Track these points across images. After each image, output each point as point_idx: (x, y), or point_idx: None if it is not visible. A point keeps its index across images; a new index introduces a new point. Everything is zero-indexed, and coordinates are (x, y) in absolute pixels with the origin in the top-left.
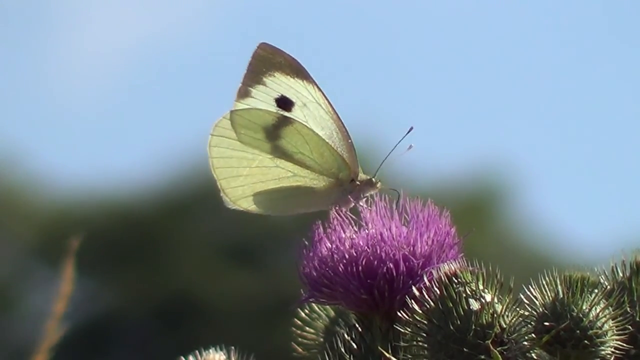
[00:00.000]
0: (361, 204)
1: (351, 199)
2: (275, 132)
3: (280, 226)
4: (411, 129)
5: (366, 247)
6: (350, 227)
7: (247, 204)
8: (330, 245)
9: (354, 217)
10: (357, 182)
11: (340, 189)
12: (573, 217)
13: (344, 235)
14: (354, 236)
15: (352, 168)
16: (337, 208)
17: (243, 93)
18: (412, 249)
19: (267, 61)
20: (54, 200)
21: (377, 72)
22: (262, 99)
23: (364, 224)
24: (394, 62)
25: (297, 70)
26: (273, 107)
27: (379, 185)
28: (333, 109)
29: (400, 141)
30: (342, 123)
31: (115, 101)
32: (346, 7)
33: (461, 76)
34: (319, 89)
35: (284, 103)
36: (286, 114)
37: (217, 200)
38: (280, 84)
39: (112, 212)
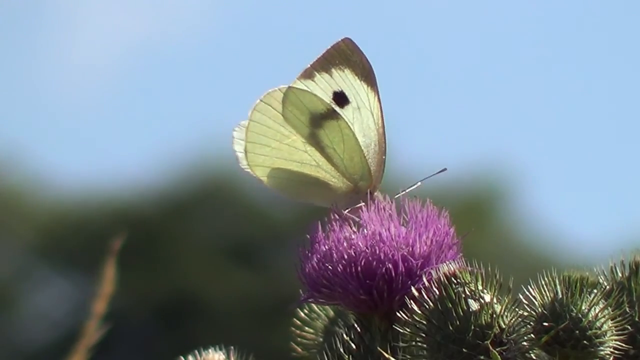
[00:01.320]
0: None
1: (360, 209)
2: (319, 121)
3: (280, 226)
4: (444, 169)
5: (365, 248)
6: (349, 227)
7: (262, 173)
8: (329, 246)
9: (353, 217)
10: (374, 195)
11: (355, 195)
12: (572, 217)
13: (342, 236)
14: (353, 236)
15: (374, 182)
16: (337, 209)
17: (307, 74)
18: (411, 249)
19: (344, 56)
20: (55, 201)
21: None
22: (322, 86)
23: (363, 224)
24: (393, 62)
25: (366, 74)
26: (328, 98)
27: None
28: (383, 122)
29: (427, 177)
30: (384, 138)
31: (116, 101)
32: (346, 7)
33: (461, 76)
34: (379, 100)
35: (340, 98)
36: (337, 109)
37: (217, 201)
38: (345, 80)
39: (113, 212)
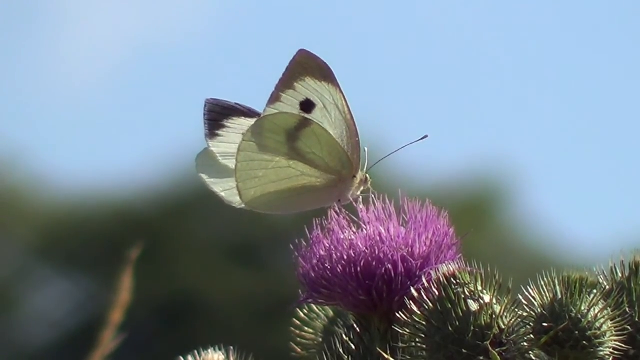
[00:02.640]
0: (359, 202)
1: (350, 196)
2: (295, 134)
3: (279, 226)
4: (425, 136)
5: (364, 248)
6: (349, 227)
7: (257, 204)
8: (328, 246)
9: (353, 217)
10: (357, 179)
11: (342, 185)
12: (572, 218)
13: (342, 236)
14: (353, 237)
15: (354, 165)
16: (336, 206)
17: (274, 98)
18: (410, 249)
19: (302, 67)
20: (55, 201)
21: (377, 72)
22: (290, 103)
23: (363, 225)
24: (393, 62)
25: (325, 74)
26: (296, 110)
27: (369, 182)
28: (348, 108)
29: (405, 146)
30: (353, 122)
31: (116, 101)
32: (345, 7)
33: (460, 76)
34: (341, 91)
35: (307, 106)
36: (307, 116)
37: (217, 201)
38: (308, 88)
39: (113, 212)
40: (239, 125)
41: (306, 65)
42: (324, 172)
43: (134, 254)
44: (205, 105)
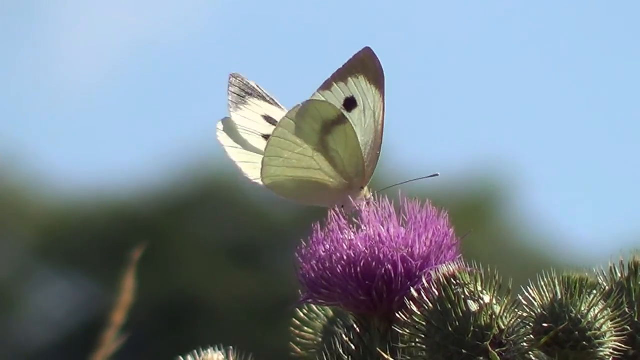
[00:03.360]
0: (361, 208)
1: (352, 206)
2: (329, 127)
3: (279, 227)
4: (436, 174)
5: (364, 249)
6: (349, 228)
7: (272, 183)
8: (328, 246)
9: (352, 218)
10: (364, 191)
11: (349, 192)
12: (571, 218)
13: (342, 237)
14: (352, 237)
15: (366, 177)
16: (337, 209)
17: (326, 86)
18: (410, 250)
19: (362, 64)
20: (55, 201)
21: None
22: (337, 95)
23: (362, 225)
24: (392, 61)
25: (377, 79)
26: (339, 105)
27: (370, 198)
28: (383, 120)
29: (415, 179)
30: (381, 135)
31: (116, 101)
32: (344, 6)
33: (458, 76)
34: (383, 101)
35: (350, 103)
36: (345, 113)
37: (217, 201)
38: (358, 86)
39: (113, 212)
40: (257, 106)
41: (365, 64)
42: (338, 174)
43: (136, 255)
44: (229, 78)
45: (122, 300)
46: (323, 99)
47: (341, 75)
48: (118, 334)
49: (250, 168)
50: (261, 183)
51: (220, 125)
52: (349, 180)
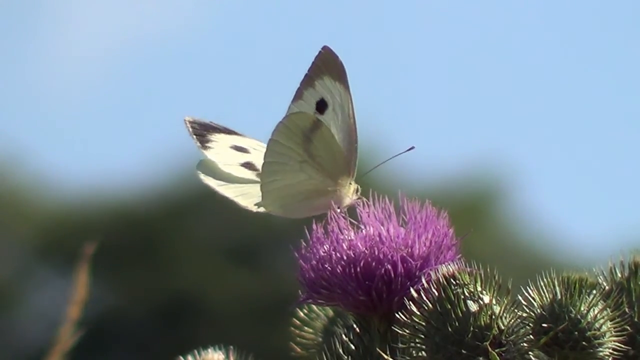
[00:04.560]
0: (357, 203)
1: (346, 202)
2: (310, 135)
3: (279, 226)
4: (412, 148)
5: (364, 249)
6: (348, 228)
7: (274, 207)
8: (328, 247)
9: (351, 220)
10: (352, 187)
11: (341, 192)
12: (571, 217)
13: (342, 237)
14: (352, 237)
15: (350, 171)
16: (334, 209)
17: (297, 96)
18: (410, 250)
19: (323, 64)
20: (55, 201)
21: (375, 72)
22: (309, 102)
23: (362, 225)
24: (391, 61)
25: (340, 74)
26: (312, 110)
27: (359, 192)
28: (353, 113)
29: (393, 157)
30: (355, 127)
31: (116, 101)
32: (343, 5)
33: (457, 75)
34: (350, 95)
35: (322, 106)
36: (319, 116)
37: (217, 201)
38: (324, 87)
39: (113, 213)
40: (222, 140)
41: (327, 63)
42: (328, 177)
43: (89, 250)
44: (186, 123)
45: (77, 295)
46: (297, 110)
47: (308, 81)
48: (75, 330)
49: (246, 198)
50: (264, 210)
51: (199, 169)
52: (338, 179)
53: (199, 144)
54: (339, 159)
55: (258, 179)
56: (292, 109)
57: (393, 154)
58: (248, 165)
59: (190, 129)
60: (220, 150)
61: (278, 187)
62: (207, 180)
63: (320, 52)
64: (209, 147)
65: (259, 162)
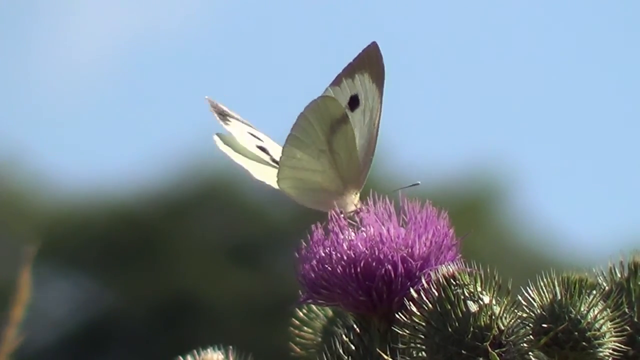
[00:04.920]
0: (358, 212)
1: (349, 208)
2: (335, 127)
3: (279, 226)
4: (417, 184)
5: (364, 249)
6: (349, 228)
7: (286, 185)
8: (328, 247)
9: (351, 221)
10: (357, 197)
11: (346, 198)
12: (571, 218)
13: (342, 237)
14: (352, 237)
15: (360, 182)
16: (335, 210)
17: (336, 81)
18: (410, 250)
19: (369, 60)
20: (55, 201)
21: None
22: (344, 92)
23: (362, 225)
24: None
25: (378, 76)
26: (345, 103)
27: (359, 207)
28: (379, 123)
29: (399, 189)
30: (376, 139)
31: (116, 101)
32: (342, 5)
33: (457, 76)
34: (381, 101)
35: (353, 102)
36: (349, 112)
37: (217, 201)
38: (362, 83)
39: (113, 213)
40: (238, 125)
41: (371, 60)
42: (339, 178)
43: (32, 251)
44: (207, 101)
45: (20, 296)
46: (333, 95)
47: (350, 71)
48: (17, 331)
49: (258, 171)
50: (277, 185)
51: (217, 138)
52: (346, 184)
53: (219, 117)
54: (354, 164)
55: (273, 164)
56: (327, 91)
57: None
58: (263, 150)
59: (211, 106)
60: (238, 129)
61: (295, 166)
62: (224, 149)
63: (368, 45)
64: (228, 123)
65: (272, 150)
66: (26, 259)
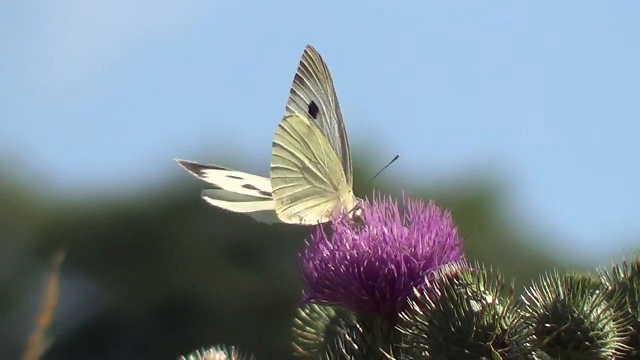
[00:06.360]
0: (360, 209)
1: (350, 207)
2: (307, 140)
3: (280, 226)
4: (397, 157)
5: (368, 249)
6: (352, 228)
7: (288, 217)
8: (331, 246)
9: (355, 218)
10: (351, 195)
11: (343, 196)
12: (574, 217)
13: (345, 236)
14: (356, 237)
15: (348, 178)
16: (337, 211)
17: (291, 99)
18: (413, 250)
19: (311, 66)
20: (55, 201)
21: (373, 72)
22: (301, 104)
23: (366, 225)
24: (390, 61)
25: (326, 75)
26: (306, 115)
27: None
28: (340, 115)
29: (384, 168)
30: (345, 132)
31: (116, 101)
32: (339, 6)
33: (456, 75)
34: (335, 95)
35: (313, 109)
36: (313, 121)
37: None
38: (315, 89)
39: (113, 212)
40: (214, 174)
41: (313, 65)
42: (328, 184)
43: (59, 260)
44: (178, 164)
45: (47, 303)
46: (294, 111)
47: (299, 83)
48: (45, 337)
49: (260, 214)
50: (282, 221)
51: (206, 195)
52: (337, 186)
53: (195, 174)
54: (336, 164)
55: (263, 196)
56: (289, 110)
57: (394, 156)
58: (249, 187)
59: (184, 168)
60: (216, 177)
61: (287, 195)
62: (217, 204)
63: (305, 51)
64: (206, 175)
65: (258, 184)
66: (53, 265)
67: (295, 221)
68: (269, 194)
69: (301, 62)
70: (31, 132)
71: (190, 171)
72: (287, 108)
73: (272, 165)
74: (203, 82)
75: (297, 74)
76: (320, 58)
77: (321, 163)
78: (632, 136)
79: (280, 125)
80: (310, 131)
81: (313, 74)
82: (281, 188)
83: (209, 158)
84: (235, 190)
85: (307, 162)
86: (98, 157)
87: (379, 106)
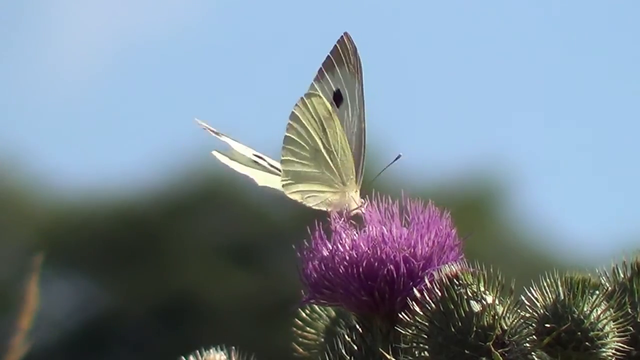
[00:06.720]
0: (361, 210)
1: (352, 206)
2: (324, 125)
3: (280, 226)
4: (399, 156)
5: (367, 249)
6: (351, 228)
7: (289, 191)
8: (330, 247)
9: (354, 221)
10: (358, 194)
11: (348, 194)
12: (573, 217)
13: (344, 237)
14: (355, 237)
15: (358, 177)
16: (337, 210)
17: (319, 76)
18: (412, 250)
19: (345, 52)
20: (55, 201)
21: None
22: (327, 87)
23: (365, 225)
24: (389, 61)
25: (357, 68)
26: (329, 99)
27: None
28: (363, 114)
29: (385, 167)
30: (364, 133)
31: (116, 101)
32: (341, 4)
33: (456, 75)
34: (362, 93)
35: (337, 97)
36: (335, 109)
37: (217, 201)
38: (343, 77)
39: (113, 212)
40: (228, 139)
41: (347, 52)
42: (336, 175)
43: (38, 261)
44: (197, 123)
45: (28, 305)
46: (317, 91)
47: (328, 65)
48: (25, 340)
49: (262, 178)
50: (283, 190)
51: (216, 153)
52: (346, 181)
53: (212, 133)
54: (348, 160)
55: (272, 169)
56: (313, 87)
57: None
58: (259, 158)
59: (204, 126)
60: (230, 143)
61: (295, 169)
62: (226, 161)
63: (342, 37)
64: (222, 136)
65: (267, 158)
66: (33, 267)
67: (296, 198)
68: (278, 169)
69: (335, 47)
70: (30, 133)
71: (208, 130)
72: (312, 85)
73: (286, 134)
74: (203, 82)
75: (328, 56)
76: (355, 50)
77: (334, 152)
78: (632, 136)
79: (302, 98)
80: (330, 117)
81: (345, 63)
82: (290, 160)
83: (209, 158)
84: (245, 153)
85: (320, 146)
86: (98, 158)
87: (378, 106)
